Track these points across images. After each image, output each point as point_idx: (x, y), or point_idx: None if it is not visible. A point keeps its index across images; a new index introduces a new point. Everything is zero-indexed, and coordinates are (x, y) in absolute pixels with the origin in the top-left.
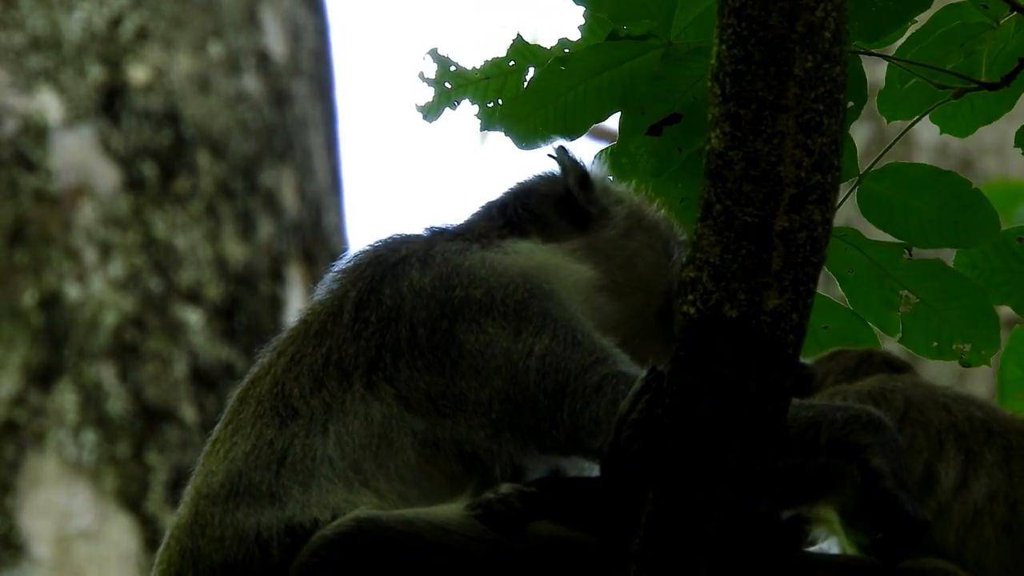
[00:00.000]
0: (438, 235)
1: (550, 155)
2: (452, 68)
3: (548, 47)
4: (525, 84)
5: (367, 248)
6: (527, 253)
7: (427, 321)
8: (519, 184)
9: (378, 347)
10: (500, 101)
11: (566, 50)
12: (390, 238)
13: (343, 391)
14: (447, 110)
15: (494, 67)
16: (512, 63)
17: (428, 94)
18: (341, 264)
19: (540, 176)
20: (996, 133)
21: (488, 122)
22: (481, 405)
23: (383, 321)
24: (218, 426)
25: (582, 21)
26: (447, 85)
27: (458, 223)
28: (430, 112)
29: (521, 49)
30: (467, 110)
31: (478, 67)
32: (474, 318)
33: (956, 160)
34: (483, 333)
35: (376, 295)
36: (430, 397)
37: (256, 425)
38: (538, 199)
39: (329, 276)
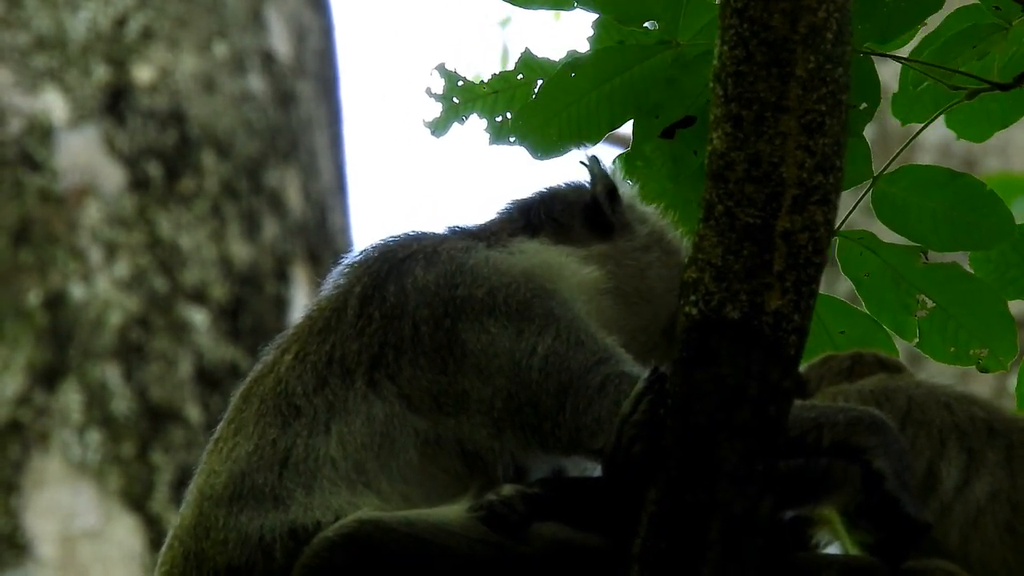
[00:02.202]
0: (451, 233)
1: (582, 163)
2: (460, 83)
3: (557, 60)
4: (535, 96)
5: (378, 243)
6: (531, 252)
7: (430, 319)
8: (547, 188)
9: (381, 344)
10: (509, 115)
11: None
12: (402, 234)
13: (346, 389)
14: (455, 125)
15: (502, 81)
16: (520, 76)
17: (436, 109)
18: (350, 258)
19: (568, 183)
20: (999, 134)
21: (497, 136)
22: (483, 404)
23: (386, 318)
24: (221, 424)
25: (591, 32)
26: (455, 100)
27: (478, 222)
28: (438, 127)
29: (530, 63)
30: (476, 124)
31: (486, 81)
32: (477, 317)
33: (959, 160)
34: (485, 332)
35: (380, 291)
36: (432, 395)
37: (259, 424)
38: (563, 205)
39: (337, 270)
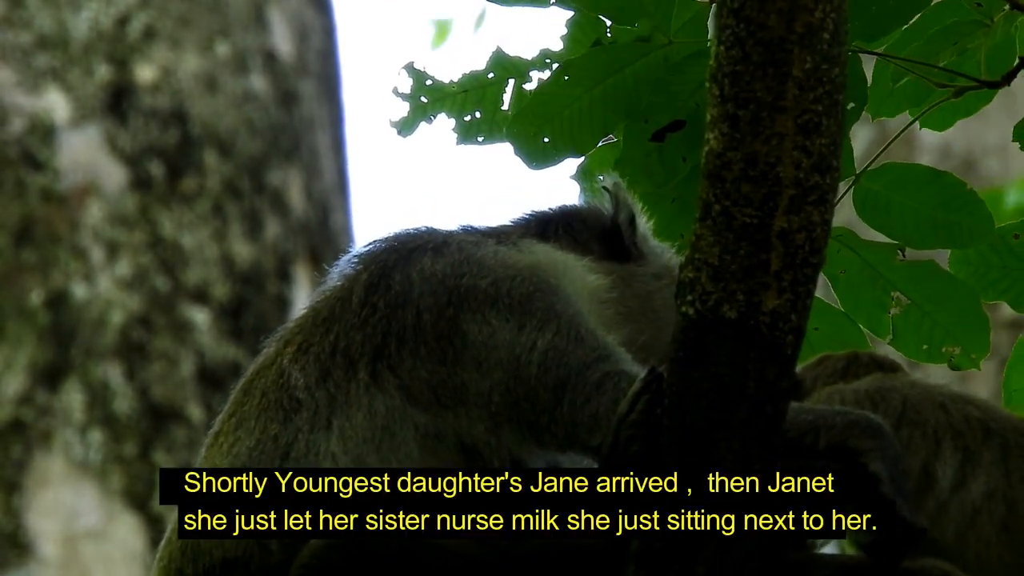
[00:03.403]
0: (462, 230)
1: (605, 188)
2: (428, 82)
3: (529, 59)
4: (506, 97)
5: (388, 235)
6: (540, 252)
7: (433, 307)
8: (566, 206)
9: (384, 334)
10: (478, 114)
11: (547, 60)
12: (414, 228)
13: (348, 380)
14: (423, 124)
15: (472, 80)
16: (491, 75)
17: (403, 109)
18: (357, 250)
19: (588, 206)
20: (999, 134)
21: (465, 136)
22: (481, 397)
23: (391, 307)
24: (220, 417)
25: (564, 31)
26: (423, 99)
27: (491, 224)
28: (405, 127)
29: (501, 61)
30: (444, 124)
31: (455, 80)
32: (479, 308)
33: (958, 161)
34: (487, 324)
35: (386, 280)
36: (432, 387)
37: (260, 419)
38: (581, 224)
39: (343, 260)
